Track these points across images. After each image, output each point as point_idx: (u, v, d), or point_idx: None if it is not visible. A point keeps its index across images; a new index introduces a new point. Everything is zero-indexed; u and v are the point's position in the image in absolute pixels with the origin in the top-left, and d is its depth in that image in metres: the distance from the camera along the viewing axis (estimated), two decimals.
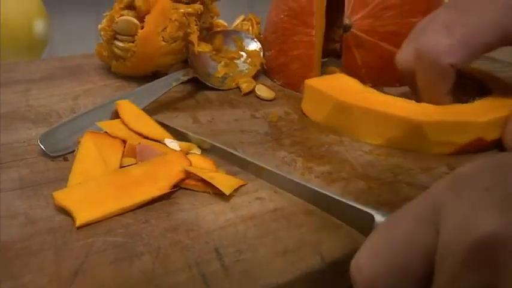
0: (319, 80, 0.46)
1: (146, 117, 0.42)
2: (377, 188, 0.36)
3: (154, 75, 0.53)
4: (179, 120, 0.46)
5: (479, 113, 0.41)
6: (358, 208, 0.30)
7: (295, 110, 0.50)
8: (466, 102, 0.43)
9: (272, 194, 0.35)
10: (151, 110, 0.46)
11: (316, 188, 0.33)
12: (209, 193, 0.34)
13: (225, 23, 0.60)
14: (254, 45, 0.57)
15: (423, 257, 0.21)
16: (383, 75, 0.55)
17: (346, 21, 0.53)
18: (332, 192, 0.32)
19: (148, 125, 0.42)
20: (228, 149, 0.38)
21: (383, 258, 0.22)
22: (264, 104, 0.51)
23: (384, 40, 0.53)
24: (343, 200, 0.31)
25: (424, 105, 0.42)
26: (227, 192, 0.34)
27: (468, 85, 0.48)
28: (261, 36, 0.59)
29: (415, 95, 0.46)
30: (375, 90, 0.44)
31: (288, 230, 0.31)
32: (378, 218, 0.29)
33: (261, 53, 0.56)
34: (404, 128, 0.39)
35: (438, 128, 0.40)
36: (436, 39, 0.40)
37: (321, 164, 0.39)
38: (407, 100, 0.42)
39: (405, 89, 0.52)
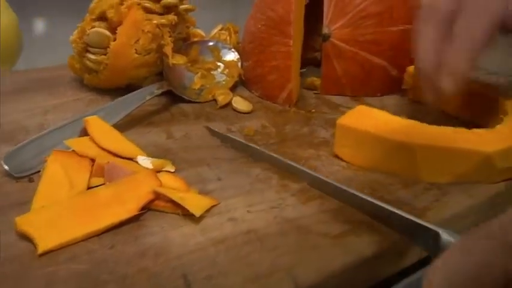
0: (351, 118, 0.41)
1: (117, 134, 0.41)
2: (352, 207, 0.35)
3: (129, 88, 0.52)
4: (152, 136, 0.45)
5: (486, 142, 0.39)
6: (423, 225, 0.29)
7: (272, 122, 0.49)
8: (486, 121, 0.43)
9: (245, 214, 0.34)
10: (124, 125, 0.45)
11: (378, 203, 0.32)
12: (179, 214, 0.33)
13: (203, 33, 0.59)
14: (232, 56, 0.56)
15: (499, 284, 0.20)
16: (364, 85, 0.54)
17: (325, 30, 0.52)
18: (394, 207, 0.31)
19: (119, 142, 0.40)
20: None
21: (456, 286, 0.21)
22: (241, 117, 0.50)
23: (364, 49, 0.52)
24: (408, 216, 0.30)
25: (480, 132, 0.40)
26: (197, 213, 0.33)
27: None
28: (239, 45, 0.58)
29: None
30: (416, 122, 0.40)
31: (261, 253, 0.30)
32: (444, 236, 0.28)
33: (239, 64, 0.55)
34: (473, 160, 0.37)
35: (506, 155, 0.38)
36: None
37: (296, 181, 0.38)
38: (461, 130, 0.40)
39: (388, 100, 0.52)
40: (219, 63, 0.55)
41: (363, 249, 0.31)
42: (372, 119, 0.41)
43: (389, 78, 0.54)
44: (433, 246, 0.28)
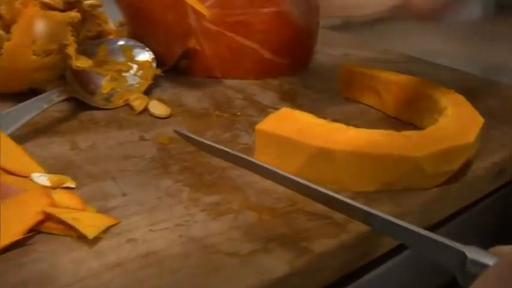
0: (272, 122, 0.40)
1: (12, 146, 0.39)
2: (270, 220, 0.35)
3: (32, 92, 0.50)
4: (55, 147, 0.43)
5: (462, 134, 0.40)
6: (446, 244, 0.28)
7: (191, 128, 0.48)
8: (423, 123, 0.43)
9: (147, 233, 0.33)
10: (24, 136, 0.44)
11: (395, 221, 0.30)
12: (72, 237, 0.32)
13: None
14: (146, 55, 0.55)
15: None
16: (234, 67, 0.57)
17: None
18: (414, 226, 0.30)
19: (13, 156, 0.39)
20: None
21: None
22: (158, 123, 0.49)
23: (232, 31, 0.54)
24: (428, 235, 0.29)
25: (409, 135, 0.40)
26: (91, 235, 0.32)
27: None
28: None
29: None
30: (342, 125, 0.40)
31: (160, 278, 0.29)
32: (471, 254, 0.27)
33: (154, 64, 0.54)
34: (401, 166, 0.37)
35: (436, 160, 0.38)
36: None
37: (209, 193, 0.37)
38: (390, 133, 0.40)
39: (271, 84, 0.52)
40: (131, 64, 0.53)
41: (275, 268, 0.30)
42: (295, 122, 0.40)
43: (262, 61, 0.58)
44: (460, 266, 0.27)
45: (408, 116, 0.50)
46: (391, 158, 0.37)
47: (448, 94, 0.47)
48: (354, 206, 0.32)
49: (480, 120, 0.42)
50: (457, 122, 0.42)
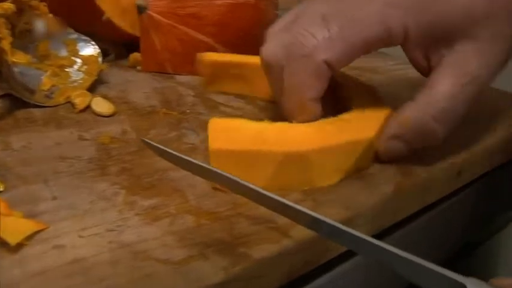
0: (220, 139, 0.39)
1: None
2: (208, 225, 0.34)
3: None
4: None
5: (364, 127, 0.41)
6: (443, 275, 0.27)
7: (135, 127, 0.48)
8: (325, 116, 0.42)
9: (76, 239, 0.32)
10: None
11: (388, 248, 0.28)
12: None
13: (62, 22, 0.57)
14: (91, 50, 0.54)
15: None
16: (186, 62, 0.57)
17: (140, 1, 0.53)
18: (409, 254, 0.28)
19: None
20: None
21: None
22: (100, 122, 0.48)
23: (184, 23, 0.54)
24: (426, 265, 0.27)
25: (348, 119, 0.41)
26: (13, 241, 0.31)
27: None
28: None
29: (275, 101, 0.46)
30: (285, 123, 0.41)
31: (85, 287, 0.29)
32: (472, 287, 0.26)
33: (100, 59, 0.53)
34: (368, 149, 0.39)
35: (325, 155, 0.38)
36: (310, 30, 0.39)
37: (147, 196, 0.37)
38: (329, 120, 0.41)
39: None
40: (75, 59, 0.53)
41: (209, 275, 0.30)
42: (241, 132, 0.40)
43: None
44: None
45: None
46: (358, 143, 0.40)
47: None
48: (300, 211, 0.31)
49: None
50: (359, 116, 0.43)
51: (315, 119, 0.41)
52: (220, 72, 0.54)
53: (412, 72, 0.46)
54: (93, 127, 0.48)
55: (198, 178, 0.38)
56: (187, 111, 0.52)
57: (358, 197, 0.38)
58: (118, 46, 0.65)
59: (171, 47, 0.57)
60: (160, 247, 0.32)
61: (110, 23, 0.58)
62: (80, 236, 0.33)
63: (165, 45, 0.57)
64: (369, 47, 0.40)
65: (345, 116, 0.42)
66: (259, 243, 0.33)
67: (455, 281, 0.26)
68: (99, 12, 0.58)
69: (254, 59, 0.52)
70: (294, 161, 0.38)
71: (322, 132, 0.40)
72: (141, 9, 0.55)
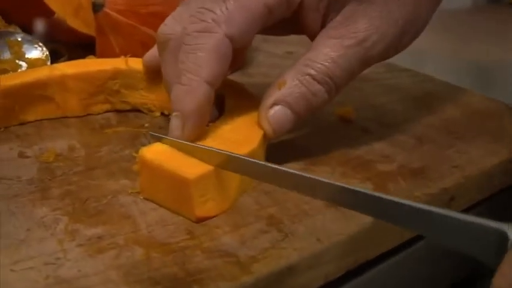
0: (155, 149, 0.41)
1: None
2: (159, 258, 0.35)
3: None
4: None
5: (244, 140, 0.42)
6: (482, 225, 0.26)
7: (85, 142, 0.48)
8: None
9: (7, 273, 0.33)
10: None
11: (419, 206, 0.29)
12: None
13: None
14: (38, 52, 0.55)
15: None
16: None
17: None
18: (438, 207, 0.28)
19: None
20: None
21: None
22: (45, 136, 0.49)
23: (146, 24, 0.54)
24: (458, 216, 0.27)
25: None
26: None
27: None
28: None
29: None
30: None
31: None
32: None
33: (48, 62, 0.54)
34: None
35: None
36: (207, 6, 0.41)
37: (92, 224, 0.37)
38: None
39: None
40: (20, 62, 0.53)
41: None
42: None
43: None
44: (498, 250, 0.26)
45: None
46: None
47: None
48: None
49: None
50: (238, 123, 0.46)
51: (204, 112, 0.42)
52: (16, 99, 0.50)
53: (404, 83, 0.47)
54: (36, 142, 0.48)
55: (151, 204, 0.39)
56: (146, 124, 0.53)
57: (334, 228, 0.39)
58: (72, 46, 0.65)
59: (131, 50, 0.57)
60: (101, 284, 0.33)
61: (61, 22, 0.58)
62: (12, 270, 0.33)
63: (125, 48, 0.57)
64: (271, 13, 0.42)
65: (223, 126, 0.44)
66: (216, 279, 0.34)
67: (495, 229, 0.26)
68: (49, 11, 0.58)
69: (56, 71, 0.52)
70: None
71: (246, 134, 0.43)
72: (96, 7, 0.56)
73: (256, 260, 0.35)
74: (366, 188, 0.40)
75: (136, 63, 0.53)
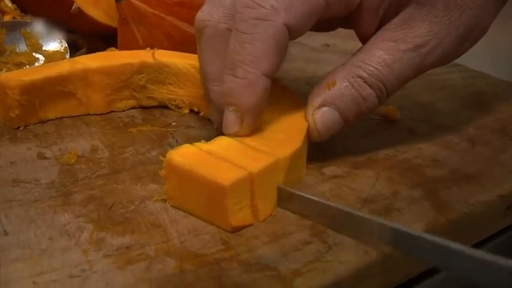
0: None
1: None
2: (193, 271, 0.35)
3: None
4: None
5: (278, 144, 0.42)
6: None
7: (109, 143, 0.48)
8: None
9: (30, 286, 0.33)
10: None
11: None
12: None
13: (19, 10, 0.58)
14: (56, 44, 0.55)
15: None
16: None
17: None
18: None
19: None
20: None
21: None
22: (65, 135, 0.49)
23: (173, 13, 0.54)
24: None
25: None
26: None
27: None
28: None
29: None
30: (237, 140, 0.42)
31: None
32: None
33: (67, 55, 0.54)
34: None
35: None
36: None
37: (119, 233, 0.37)
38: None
39: None
40: (37, 55, 0.53)
41: None
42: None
43: None
44: None
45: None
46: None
47: None
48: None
49: None
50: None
51: (262, 106, 0.41)
52: (36, 96, 0.50)
53: None
54: (56, 142, 0.48)
55: (180, 212, 0.38)
56: (173, 123, 0.53)
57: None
58: (92, 38, 0.65)
59: (156, 42, 0.57)
60: None
61: (80, 12, 0.58)
62: (35, 283, 0.33)
63: (149, 40, 0.57)
64: (328, 8, 0.41)
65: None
66: None
67: None
68: (67, 0, 0.58)
69: (78, 65, 0.52)
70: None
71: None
72: None
73: (299, 273, 0.35)
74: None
75: (163, 56, 0.53)
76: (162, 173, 0.40)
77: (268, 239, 0.38)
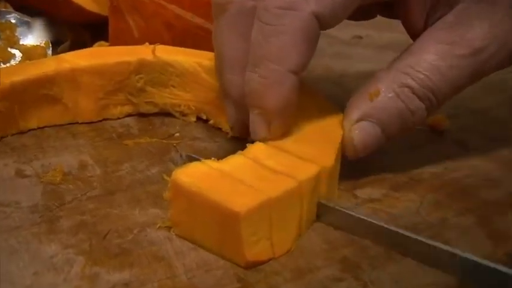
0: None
1: None
2: None
3: None
4: None
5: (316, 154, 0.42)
6: None
7: (100, 158, 0.49)
8: None
9: None
10: None
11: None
12: None
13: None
14: (35, 38, 0.56)
15: None
16: None
17: None
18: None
19: None
20: None
21: None
22: (48, 149, 0.50)
23: (174, 1, 0.55)
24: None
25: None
26: None
27: None
28: None
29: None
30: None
31: None
32: None
33: (49, 51, 0.55)
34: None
35: None
36: None
37: (116, 267, 0.38)
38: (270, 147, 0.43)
39: None
40: (13, 51, 0.54)
41: None
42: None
43: None
44: None
45: None
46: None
47: None
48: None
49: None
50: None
51: (291, 107, 0.42)
52: (16, 101, 0.51)
53: None
54: (38, 156, 0.49)
55: (187, 242, 0.40)
56: (176, 134, 0.54)
57: (427, 277, 0.39)
58: (77, 29, 0.66)
59: (154, 35, 0.58)
60: None
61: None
62: None
63: (146, 32, 0.58)
64: None
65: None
66: None
67: None
68: None
69: (64, 63, 0.52)
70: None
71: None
72: None
73: None
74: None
75: (166, 53, 0.54)
76: (167, 195, 0.41)
77: (291, 275, 0.38)
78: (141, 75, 0.53)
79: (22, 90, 0.49)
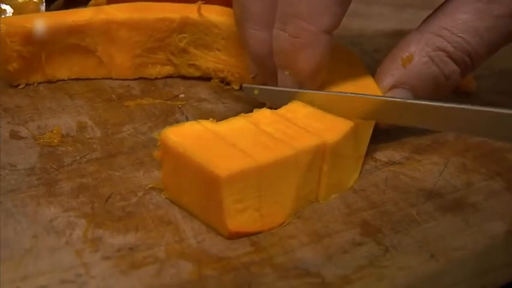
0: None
1: None
2: (215, 278, 0.36)
3: None
4: None
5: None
6: None
7: (100, 119, 0.50)
8: None
9: None
10: None
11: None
12: None
13: None
14: None
15: None
16: None
17: None
18: None
19: None
20: None
21: None
22: (44, 110, 0.51)
23: None
24: None
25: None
26: None
27: None
28: None
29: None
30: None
31: None
32: None
33: (42, 6, 0.56)
34: None
35: None
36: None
37: (120, 230, 0.39)
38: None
39: None
40: (3, 6, 0.55)
41: None
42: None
43: None
44: None
45: None
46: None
47: None
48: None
49: None
50: None
51: (323, 69, 0.43)
52: (43, 48, 0.52)
53: None
54: (33, 118, 0.50)
55: None
56: (181, 95, 0.54)
57: (453, 241, 0.40)
58: None
59: None
60: None
61: None
62: None
63: None
64: None
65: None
66: None
67: None
68: None
69: (101, 14, 0.53)
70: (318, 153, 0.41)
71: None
72: None
73: (348, 281, 0.36)
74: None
75: (212, 13, 0.54)
76: (156, 154, 0.41)
77: (308, 239, 0.39)
78: (184, 35, 0.53)
79: (49, 37, 0.50)
